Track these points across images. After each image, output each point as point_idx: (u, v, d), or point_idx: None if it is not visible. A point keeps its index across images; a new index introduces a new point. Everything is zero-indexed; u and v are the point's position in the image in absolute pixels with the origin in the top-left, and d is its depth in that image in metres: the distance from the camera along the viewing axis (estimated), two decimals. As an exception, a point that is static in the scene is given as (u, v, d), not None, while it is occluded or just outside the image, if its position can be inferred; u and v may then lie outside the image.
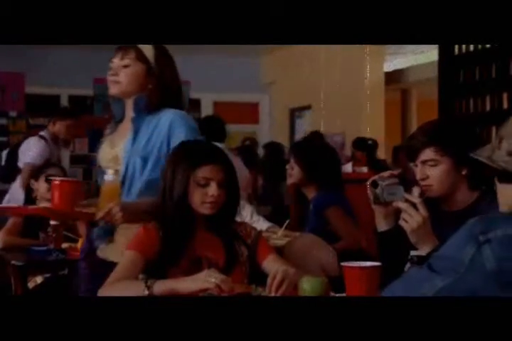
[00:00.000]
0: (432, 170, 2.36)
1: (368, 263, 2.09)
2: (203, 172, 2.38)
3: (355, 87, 9.78)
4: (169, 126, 2.69)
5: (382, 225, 2.37)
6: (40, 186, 4.39)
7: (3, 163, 6.22)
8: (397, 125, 11.55)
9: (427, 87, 9.62)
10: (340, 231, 3.71)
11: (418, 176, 2.38)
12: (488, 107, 7.68)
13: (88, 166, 9.93)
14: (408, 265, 2.14)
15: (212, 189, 2.38)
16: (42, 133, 5.93)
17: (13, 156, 5.92)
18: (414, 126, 11.37)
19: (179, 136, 2.65)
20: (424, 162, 2.37)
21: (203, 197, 2.38)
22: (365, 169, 6.90)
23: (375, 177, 2.32)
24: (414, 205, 2.19)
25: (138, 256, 2.34)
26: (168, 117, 2.70)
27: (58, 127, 5.88)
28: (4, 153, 6.29)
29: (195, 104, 11.74)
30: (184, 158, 2.43)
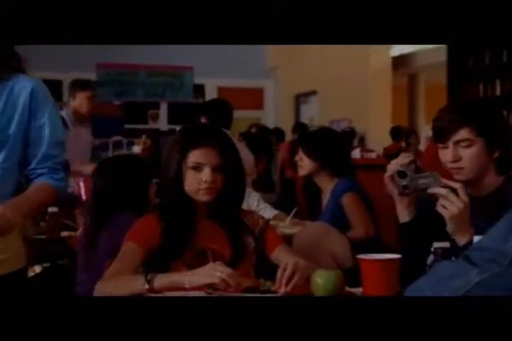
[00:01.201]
0: (465, 151, 2.25)
1: (387, 256, 1.95)
2: (194, 156, 2.26)
3: (361, 72, 9.69)
4: (30, 98, 2.21)
5: (405, 216, 2.25)
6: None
7: None
8: (404, 111, 11.41)
9: (435, 72, 9.52)
10: (352, 219, 3.58)
11: (450, 158, 2.26)
12: (498, 92, 7.59)
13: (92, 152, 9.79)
14: (431, 258, 2.00)
15: (206, 174, 2.25)
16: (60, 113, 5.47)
17: None
18: (421, 112, 11.28)
19: (43, 113, 2.23)
20: (457, 142, 2.25)
21: (198, 183, 2.26)
22: (373, 155, 6.77)
23: (397, 166, 2.18)
24: (453, 191, 2.08)
25: (137, 249, 2.22)
26: (26, 86, 2.22)
27: (79, 101, 5.31)
28: None
29: (199, 90, 11.66)
30: (177, 141, 2.32)
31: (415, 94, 11.60)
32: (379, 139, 9.27)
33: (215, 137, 2.32)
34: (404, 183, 2.16)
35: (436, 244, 1.98)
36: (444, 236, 2.06)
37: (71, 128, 5.23)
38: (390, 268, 1.92)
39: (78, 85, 5.44)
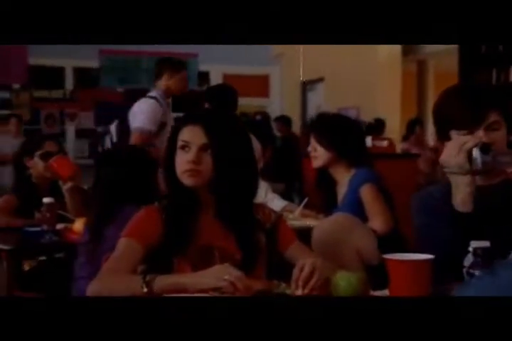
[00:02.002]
0: (496, 134, 2.09)
1: (419, 256, 1.73)
2: (183, 134, 2.10)
3: (370, 58, 9.55)
4: None
5: (467, 205, 2.04)
6: (37, 163, 4.03)
7: (114, 137, 5.23)
8: (413, 98, 11.23)
9: (444, 58, 9.35)
10: (371, 212, 3.34)
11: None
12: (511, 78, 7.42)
13: (94, 140, 9.69)
14: (470, 259, 1.78)
15: (191, 154, 2.05)
16: (151, 93, 5.10)
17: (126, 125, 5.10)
18: (430, 99, 11.09)
19: None
20: (489, 126, 2.08)
21: (185, 163, 2.07)
22: (385, 143, 6.57)
23: (475, 141, 1.97)
24: None
25: (135, 244, 2.02)
26: None
27: (174, 82, 5.06)
28: (113, 125, 5.45)
29: (204, 77, 11.51)
30: (174, 125, 2.21)
31: (424, 81, 11.41)
32: (388, 126, 9.10)
33: (204, 116, 2.17)
34: (487, 159, 1.93)
35: (475, 243, 1.76)
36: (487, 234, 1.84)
37: (165, 108, 5.03)
38: (422, 270, 1.70)
39: (173, 66, 5.16)
